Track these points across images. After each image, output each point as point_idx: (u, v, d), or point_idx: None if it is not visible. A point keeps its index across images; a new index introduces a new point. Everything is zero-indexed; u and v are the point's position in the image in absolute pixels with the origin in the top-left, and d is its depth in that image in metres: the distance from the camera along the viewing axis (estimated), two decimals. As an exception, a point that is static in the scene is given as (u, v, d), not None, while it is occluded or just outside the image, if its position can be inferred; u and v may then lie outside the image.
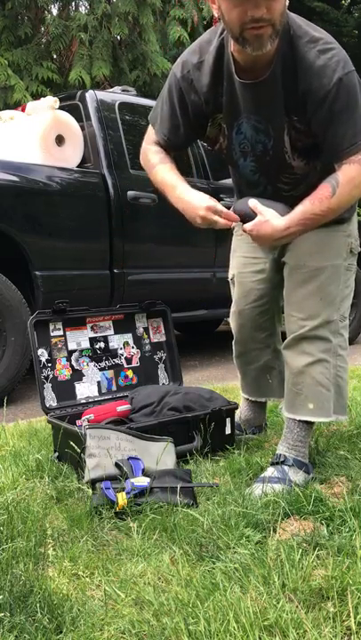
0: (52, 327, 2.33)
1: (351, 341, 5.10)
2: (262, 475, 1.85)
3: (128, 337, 2.55)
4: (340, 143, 1.67)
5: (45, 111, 3.60)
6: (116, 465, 1.78)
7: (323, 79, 1.63)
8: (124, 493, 1.65)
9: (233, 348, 2.24)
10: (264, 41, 1.59)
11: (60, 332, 2.35)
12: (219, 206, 1.74)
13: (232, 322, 2.21)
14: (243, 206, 1.78)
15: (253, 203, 1.75)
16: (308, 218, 1.71)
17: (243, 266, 2.13)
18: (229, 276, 2.21)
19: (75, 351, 2.38)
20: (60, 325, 2.35)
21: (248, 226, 1.75)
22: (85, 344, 2.42)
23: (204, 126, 1.87)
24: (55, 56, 7.20)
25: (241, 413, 2.33)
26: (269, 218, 1.72)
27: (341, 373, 1.89)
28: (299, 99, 1.68)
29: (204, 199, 1.75)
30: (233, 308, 2.19)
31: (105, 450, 1.81)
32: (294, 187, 1.86)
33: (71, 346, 2.37)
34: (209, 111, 1.82)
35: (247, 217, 1.76)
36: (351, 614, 1.13)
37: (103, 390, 2.43)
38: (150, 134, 1.94)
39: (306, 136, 1.74)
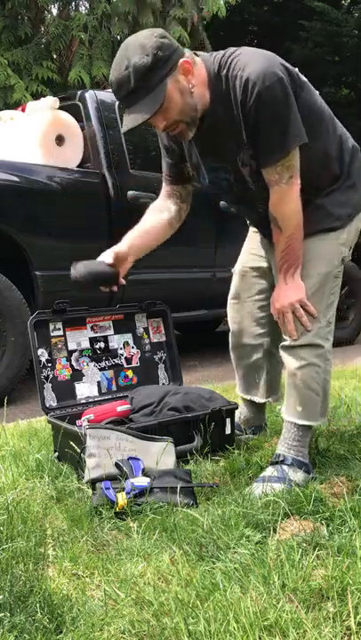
0: (52, 327, 2.32)
1: (351, 341, 5.10)
2: (262, 474, 1.85)
3: (128, 337, 2.55)
4: (263, 156, 1.74)
5: (45, 111, 3.60)
6: (116, 465, 1.78)
7: (246, 97, 1.68)
8: (124, 493, 1.65)
9: (229, 339, 2.26)
10: (184, 134, 1.77)
11: (60, 332, 2.34)
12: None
13: (230, 312, 2.25)
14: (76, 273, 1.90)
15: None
16: (283, 257, 1.81)
17: (248, 261, 2.20)
18: (234, 268, 2.26)
19: (75, 351, 2.38)
20: (60, 325, 2.35)
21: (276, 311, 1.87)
22: (85, 344, 2.42)
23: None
24: (55, 56, 7.20)
25: (241, 414, 2.34)
26: (277, 295, 1.85)
27: (328, 377, 1.92)
28: (241, 126, 1.73)
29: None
30: (233, 300, 2.23)
31: (105, 450, 1.81)
32: None
33: (71, 346, 2.37)
34: (177, 157, 1.97)
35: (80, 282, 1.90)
36: (351, 614, 1.13)
37: (103, 390, 2.42)
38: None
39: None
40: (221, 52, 1.78)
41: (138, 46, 1.64)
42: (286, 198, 1.76)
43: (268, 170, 1.75)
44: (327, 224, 1.87)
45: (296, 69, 1.79)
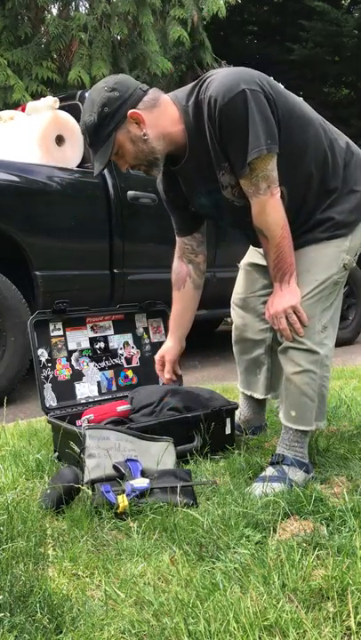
0: (52, 327, 2.32)
1: (351, 341, 5.11)
2: (262, 474, 1.85)
3: (128, 337, 2.55)
4: (236, 169, 1.76)
5: (45, 111, 3.60)
6: (115, 468, 1.78)
7: (211, 114, 1.73)
8: (124, 495, 1.64)
9: (232, 333, 2.27)
10: (149, 174, 1.90)
11: (60, 332, 2.34)
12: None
13: (235, 306, 2.25)
14: None
15: None
16: (275, 265, 1.81)
17: (253, 257, 2.20)
18: (240, 262, 2.27)
19: (75, 351, 2.38)
20: (60, 325, 2.35)
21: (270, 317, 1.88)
22: (85, 344, 2.42)
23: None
24: (55, 56, 7.20)
25: (241, 414, 2.34)
26: (271, 301, 1.85)
27: (326, 383, 1.92)
28: (216, 146, 1.77)
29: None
30: (238, 294, 2.24)
31: (105, 450, 1.81)
32: None
33: (71, 346, 2.37)
34: (179, 202, 2.03)
35: None
36: (351, 614, 1.13)
37: (103, 390, 2.43)
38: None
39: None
40: (195, 82, 1.84)
41: (89, 103, 1.82)
42: (267, 209, 1.77)
43: (243, 182, 1.77)
44: (331, 232, 1.87)
45: (271, 77, 1.82)
